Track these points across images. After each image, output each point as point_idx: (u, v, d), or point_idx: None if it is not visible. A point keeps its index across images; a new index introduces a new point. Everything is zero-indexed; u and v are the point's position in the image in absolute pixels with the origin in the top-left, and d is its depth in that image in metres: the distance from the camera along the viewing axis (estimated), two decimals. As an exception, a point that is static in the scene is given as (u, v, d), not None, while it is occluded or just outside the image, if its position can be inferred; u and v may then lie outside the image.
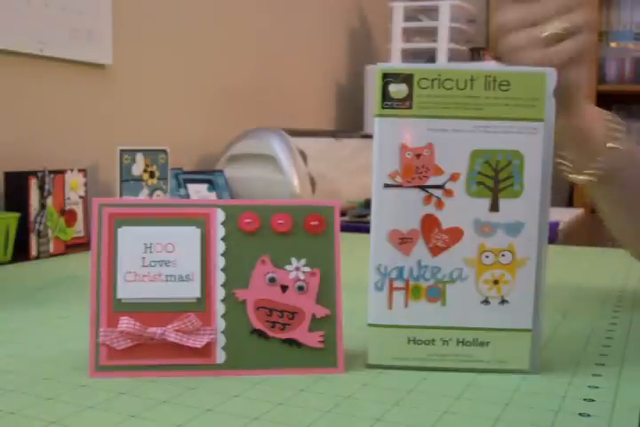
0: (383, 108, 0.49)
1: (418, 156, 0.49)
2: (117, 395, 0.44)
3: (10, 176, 1.02)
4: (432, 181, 0.49)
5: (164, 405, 0.43)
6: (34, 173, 1.00)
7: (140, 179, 1.15)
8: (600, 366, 0.52)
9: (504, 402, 0.44)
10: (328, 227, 0.51)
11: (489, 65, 2.06)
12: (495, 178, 0.49)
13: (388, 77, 0.49)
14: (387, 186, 0.49)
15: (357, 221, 1.36)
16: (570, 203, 2.43)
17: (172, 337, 0.48)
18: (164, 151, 1.20)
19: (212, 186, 1.36)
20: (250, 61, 1.73)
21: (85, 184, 1.11)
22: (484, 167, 0.49)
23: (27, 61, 1.14)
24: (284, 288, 0.50)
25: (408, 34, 2.14)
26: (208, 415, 0.41)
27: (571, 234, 1.35)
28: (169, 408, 0.42)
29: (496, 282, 0.50)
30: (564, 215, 1.49)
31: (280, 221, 0.50)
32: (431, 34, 2.10)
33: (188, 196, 1.30)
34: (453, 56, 2.11)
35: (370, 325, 0.51)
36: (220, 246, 0.50)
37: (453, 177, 0.49)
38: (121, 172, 1.12)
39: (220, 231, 0.50)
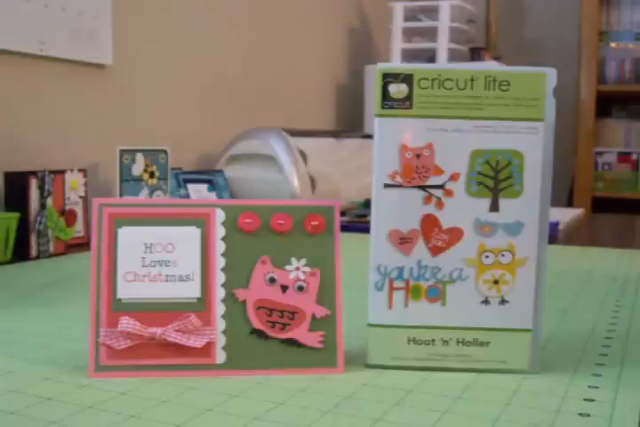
0: (383, 108, 0.49)
1: (418, 156, 0.49)
2: (117, 395, 0.44)
3: (10, 176, 1.02)
4: (432, 181, 0.49)
5: (164, 405, 0.43)
6: (34, 173, 1.00)
7: (140, 179, 1.15)
8: (600, 366, 0.52)
9: (504, 402, 0.44)
10: (328, 227, 0.51)
11: (489, 65, 2.06)
12: (495, 178, 0.49)
13: (387, 77, 0.49)
14: (387, 186, 0.49)
15: (357, 221, 1.36)
16: (570, 203, 2.44)
17: (172, 337, 0.48)
18: (164, 151, 1.20)
19: (212, 186, 1.36)
20: (250, 61, 1.73)
21: (85, 184, 1.11)
22: (484, 167, 0.49)
23: (27, 61, 1.14)
24: (284, 288, 0.50)
25: (408, 34, 2.14)
26: (208, 415, 0.41)
27: (571, 234, 1.35)
28: (169, 408, 0.42)
29: (496, 282, 0.50)
30: (564, 215, 1.49)
31: (280, 221, 0.50)
32: (431, 34, 2.10)
33: (188, 196, 1.30)
34: (453, 56, 2.11)
35: (370, 325, 0.51)
36: (220, 246, 0.50)
37: (453, 177, 0.49)
38: (121, 172, 1.12)
39: (220, 231, 0.50)
